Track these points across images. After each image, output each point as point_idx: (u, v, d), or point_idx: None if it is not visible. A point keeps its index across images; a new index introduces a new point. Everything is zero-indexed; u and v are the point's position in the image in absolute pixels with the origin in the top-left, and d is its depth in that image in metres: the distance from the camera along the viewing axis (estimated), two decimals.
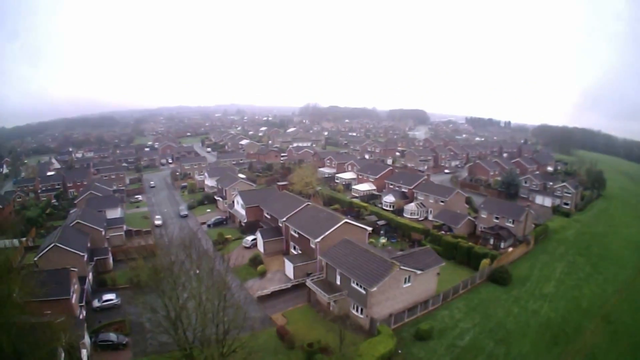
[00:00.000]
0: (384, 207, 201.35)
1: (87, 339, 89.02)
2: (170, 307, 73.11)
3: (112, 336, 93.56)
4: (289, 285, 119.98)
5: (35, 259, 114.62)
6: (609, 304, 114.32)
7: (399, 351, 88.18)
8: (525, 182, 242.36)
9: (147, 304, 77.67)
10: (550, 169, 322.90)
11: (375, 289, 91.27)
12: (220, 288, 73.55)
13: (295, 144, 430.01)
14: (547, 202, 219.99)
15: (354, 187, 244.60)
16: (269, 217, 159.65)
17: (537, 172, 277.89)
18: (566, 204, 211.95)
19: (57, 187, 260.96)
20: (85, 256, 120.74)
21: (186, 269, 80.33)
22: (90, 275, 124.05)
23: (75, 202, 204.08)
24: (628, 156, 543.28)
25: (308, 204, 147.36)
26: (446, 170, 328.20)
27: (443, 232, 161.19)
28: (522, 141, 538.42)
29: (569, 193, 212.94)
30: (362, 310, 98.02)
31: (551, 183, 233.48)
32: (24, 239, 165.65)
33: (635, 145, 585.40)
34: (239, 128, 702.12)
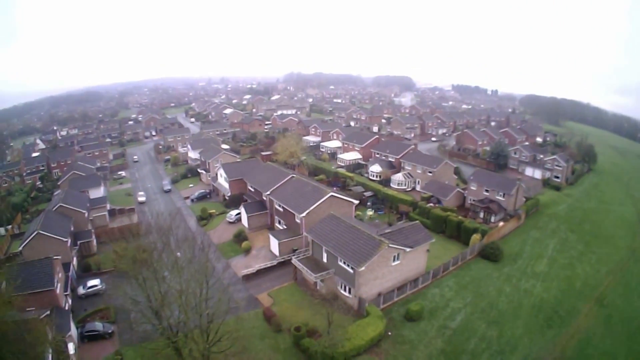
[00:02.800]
0: (370, 177, 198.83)
1: (73, 331, 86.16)
2: (152, 297, 70.92)
3: (98, 325, 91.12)
4: (275, 262, 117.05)
5: (20, 248, 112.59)
6: (602, 285, 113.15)
7: (389, 333, 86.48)
8: (515, 153, 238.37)
9: (128, 294, 75.45)
10: (539, 139, 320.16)
11: (363, 268, 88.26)
12: (202, 277, 70.59)
13: (279, 112, 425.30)
14: (537, 174, 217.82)
15: (339, 156, 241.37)
16: (252, 190, 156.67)
17: (527, 143, 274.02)
18: (557, 177, 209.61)
19: (41, 168, 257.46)
20: (69, 241, 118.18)
21: (166, 257, 77.63)
22: (75, 260, 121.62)
23: (59, 183, 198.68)
24: (617, 130, 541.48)
25: (293, 176, 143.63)
26: (433, 139, 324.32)
27: (432, 204, 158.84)
28: (510, 110, 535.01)
29: (560, 166, 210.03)
30: (350, 289, 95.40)
31: (541, 155, 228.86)
32: (9, 226, 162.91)
33: (625, 120, 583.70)
34: (222, 97, 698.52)
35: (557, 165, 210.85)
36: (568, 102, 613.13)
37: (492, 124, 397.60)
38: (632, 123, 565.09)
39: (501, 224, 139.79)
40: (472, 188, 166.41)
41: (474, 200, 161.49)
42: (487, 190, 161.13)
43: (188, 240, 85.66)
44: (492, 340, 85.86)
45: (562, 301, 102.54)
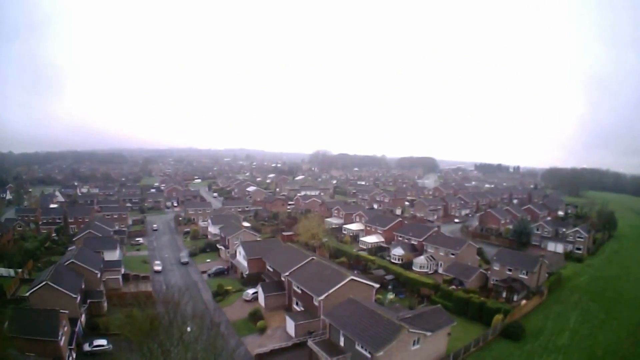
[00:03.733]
0: (392, 260, 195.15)
1: None
2: None
3: None
4: (290, 343, 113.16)
5: (27, 294, 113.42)
6: (622, 349, 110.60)
7: None
8: (537, 230, 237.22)
9: None
10: (561, 213, 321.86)
11: (381, 353, 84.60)
12: (211, 355, 68.29)
13: (303, 192, 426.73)
14: (560, 248, 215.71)
15: (361, 239, 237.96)
16: (271, 270, 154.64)
17: (549, 218, 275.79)
18: (578, 249, 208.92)
19: (58, 221, 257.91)
20: (78, 298, 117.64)
21: (174, 330, 75.15)
22: (83, 318, 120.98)
23: (75, 239, 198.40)
24: (636, 192, 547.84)
25: (313, 259, 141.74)
26: (456, 220, 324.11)
27: (454, 286, 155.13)
28: (531, 186, 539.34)
29: (582, 238, 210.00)
30: None
31: (564, 229, 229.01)
32: (20, 270, 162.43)
33: None
34: (247, 174, 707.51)
35: (579, 237, 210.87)
36: (587, 172, 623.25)
37: (515, 201, 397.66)
38: None
39: (524, 302, 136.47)
40: (495, 268, 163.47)
41: (496, 280, 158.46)
42: (509, 270, 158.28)
43: (197, 316, 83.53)
44: None
45: None
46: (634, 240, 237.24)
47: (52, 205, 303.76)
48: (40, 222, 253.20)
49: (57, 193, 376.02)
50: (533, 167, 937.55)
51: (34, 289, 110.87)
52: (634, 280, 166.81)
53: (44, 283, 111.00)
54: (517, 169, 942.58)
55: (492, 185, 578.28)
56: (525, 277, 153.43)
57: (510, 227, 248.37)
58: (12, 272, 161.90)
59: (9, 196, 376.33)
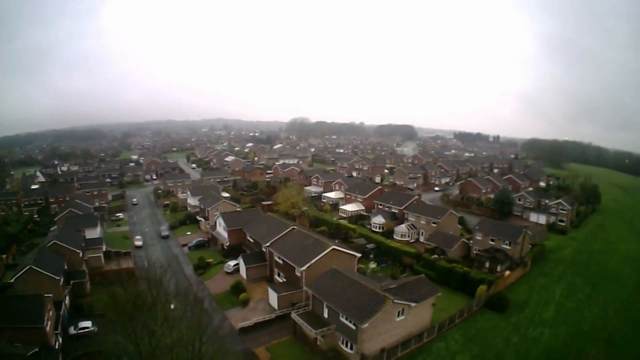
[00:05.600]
0: (373, 229, 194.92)
1: None
2: (142, 350, 67.41)
3: None
4: (273, 316, 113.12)
5: (12, 280, 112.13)
6: (610, 325, 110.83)
7: None
8: (519, 200, 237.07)
9: (119, 344, 70.83)
10: (542, 184, 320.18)
11: (366, 324, 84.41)
12: (195, 332, 67.02)
13: (281, 161, 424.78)
14: (542, 219, 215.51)
15: (341, 207, 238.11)
16: (252, 240, 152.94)
17: (530, 189, 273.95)
18: (561, 220, 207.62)
19: (39, 202, 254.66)
20: (62, 280, 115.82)
21: (157, 309, 73.97)
22: (67, 300, 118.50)
23: (56, 219, 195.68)
24: (619, 168, 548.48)
25: (294, 228, 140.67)
26: (436, 188, 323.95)
27: (436, 255, 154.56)
28: (512, 156, 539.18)
29: (564, 210, 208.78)
30: (352, 345, 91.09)
31: (546, 200, 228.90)
32: (4, 255, 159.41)
33: (627, 156, 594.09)
34: (225, 144, 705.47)
35: (561, 209, 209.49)
36: (570, 144, 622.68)
37: (495, 171, 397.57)
38: (634, 158, 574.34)
39: (507, 273, 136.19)
40: (477, 238, 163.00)
41: (479, 250, 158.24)
42: (492, 240, 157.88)
43: (180, 293, 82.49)
44: None
45: (570, 346, 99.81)
46: (618, 216, 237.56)
47: (33, 186, 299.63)
48: (22, 205, 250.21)
49: (38, 173, 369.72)
50: (513, 137, 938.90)
51: (19, 274, 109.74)
52: (619, 256, 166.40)
53: (27, 267, 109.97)
54: (497, 138, 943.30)
55: (472, 154, 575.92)
56: (509, 247, 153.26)
57: (492, 196, 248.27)
58: None
59: None
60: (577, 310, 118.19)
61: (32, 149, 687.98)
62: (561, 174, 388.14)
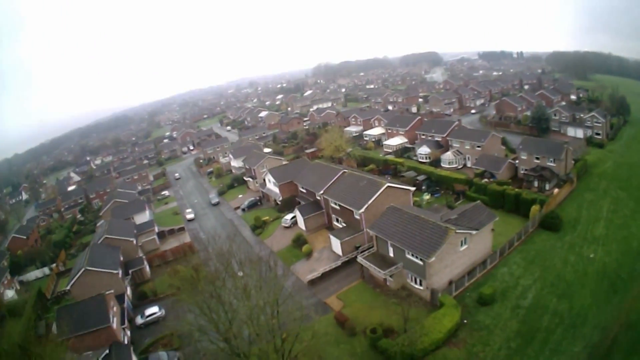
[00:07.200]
0: (420, 160, 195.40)
1: None
2: (220, 325, 68.39)
3: (163, 355, 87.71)
4: (339, 263, 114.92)
5: (68, 287, 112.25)
6: None
7: (465, 321, 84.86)
8: (555, 115, 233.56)
9: (192, 325, 71.49)
10: (573, 97, 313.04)
11: (433, 258, 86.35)
12: (273, 299, 68.92)
13: (315, 107, 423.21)
14: (580, 133, 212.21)
15: (384, 142, 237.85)
16: (305, 191, 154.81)
17: (563, 103, 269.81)
18: (597, 134, 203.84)
19: (80, 201, 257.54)
20: (120, 272, 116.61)
21: (230, 283, 74.67)
22: (129, 290, 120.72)
23: (101, 213, 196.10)
24: None
25: (344, 172, 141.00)
26: (473, 111, 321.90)
27: (486, 179, 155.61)
28: (539, 71, 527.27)
29: (599, 123, 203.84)
30: (420, 282, 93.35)
31: (580, 114, 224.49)
32: (54, 265, 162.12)
33: None
34: (255, 100, 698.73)
35: (596, 122, 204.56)
36: (591, 55, 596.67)
37: (526, 87, 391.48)
38: None
39: (556, 190, 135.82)
40: (523, 157, 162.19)
41: (526, 170, 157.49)
42: (537, 158, 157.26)
43: (252, 262, 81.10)
44: (564, 314, 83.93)
45: (622, 264, 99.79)
46: None
47: (70, 188, 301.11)
48: (62, 209, 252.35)
49: (72, 174, 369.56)
50: (536, 51, 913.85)
51: (74, 279, 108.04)
52: None
53: (82, 270, 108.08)
54: (520, 54, 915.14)
55: (500, 73, 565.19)
56: (554, 164, 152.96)
57: (528, 114, 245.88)
58: (46, 270, 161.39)
59: (25, 197, 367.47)
60: (624, 226, 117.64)
61: (60, 152, 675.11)
62: (588, 85, 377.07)
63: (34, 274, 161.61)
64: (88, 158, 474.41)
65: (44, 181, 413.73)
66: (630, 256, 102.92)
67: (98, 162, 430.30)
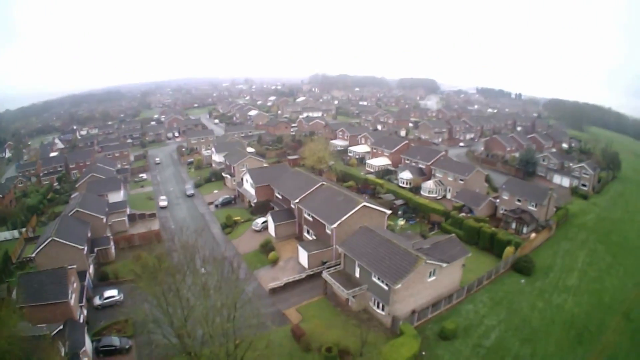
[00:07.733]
0: (400, 184, 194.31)
1: (88, 345, 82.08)
2: (174, 320, 67.69)
3: (115, 340, 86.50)
4: (303, 275, 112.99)
5: (33, 255, 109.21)
6: (629, 299, 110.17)
7: (423, 353, 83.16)
8: (544, 160, 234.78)
9: (149, 315, 71.12)
10: (565, 146, 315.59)
11: (399, 285, 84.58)
12: (230, 301, 67.06)
13: (305, 114, 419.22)
14: (565, 182, 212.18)
15: (368, 161, 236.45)
16: (280, 197, 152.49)
17: (554, 150, 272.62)
18: (584, 185, 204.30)
19: (59, 169, 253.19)
20: (85, 248, 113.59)
21: (190, 279, 73.93)
22: (91, 269, 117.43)
23: (77, 185, 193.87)
24: (638, 136, 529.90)
25: (323, 184, 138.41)
26: (461, 144, 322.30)
27: (464, 213, 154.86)
28: (535, 114, 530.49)
29: (587, 174, 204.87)
30: (383, 307, 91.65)
31: (570, 163, 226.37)
32: (24, 229, 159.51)
33: None
34: (247, 98, 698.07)
35: (584, 173, 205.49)
36: (590, 107, 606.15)
37: (519, 129, 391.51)
38: None
39: (533, 235, 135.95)
40: (504, 197, 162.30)
41: (506, 210, 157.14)
42: (519, 200, 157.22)
43: (216, 260, 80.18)
44: (526, 359, 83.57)
45: (592, 316, 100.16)
46: (638, 185, 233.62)
47: (52, 154, 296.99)
48: (41, 174, 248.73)
49: (57, 140, 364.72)
50: (534, 96, 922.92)
51: (40, 247, 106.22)
52: (638, 227, 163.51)
53: (49, 240, 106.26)
54: (518, 96, 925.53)
55: (495, 110, 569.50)
56: (535, 209, 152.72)
57: (516, 155, 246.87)
58: (16, 233, 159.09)
59: (8, 154, 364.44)
60: (598, 280, 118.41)
61: (50, 116, 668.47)
62: (582, 136, 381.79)
63: (3, 235, 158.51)
64: (75, 127, 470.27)
65: (29, 142, 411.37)
66: (601, 310, 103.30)
67: (84, 132, 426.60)
